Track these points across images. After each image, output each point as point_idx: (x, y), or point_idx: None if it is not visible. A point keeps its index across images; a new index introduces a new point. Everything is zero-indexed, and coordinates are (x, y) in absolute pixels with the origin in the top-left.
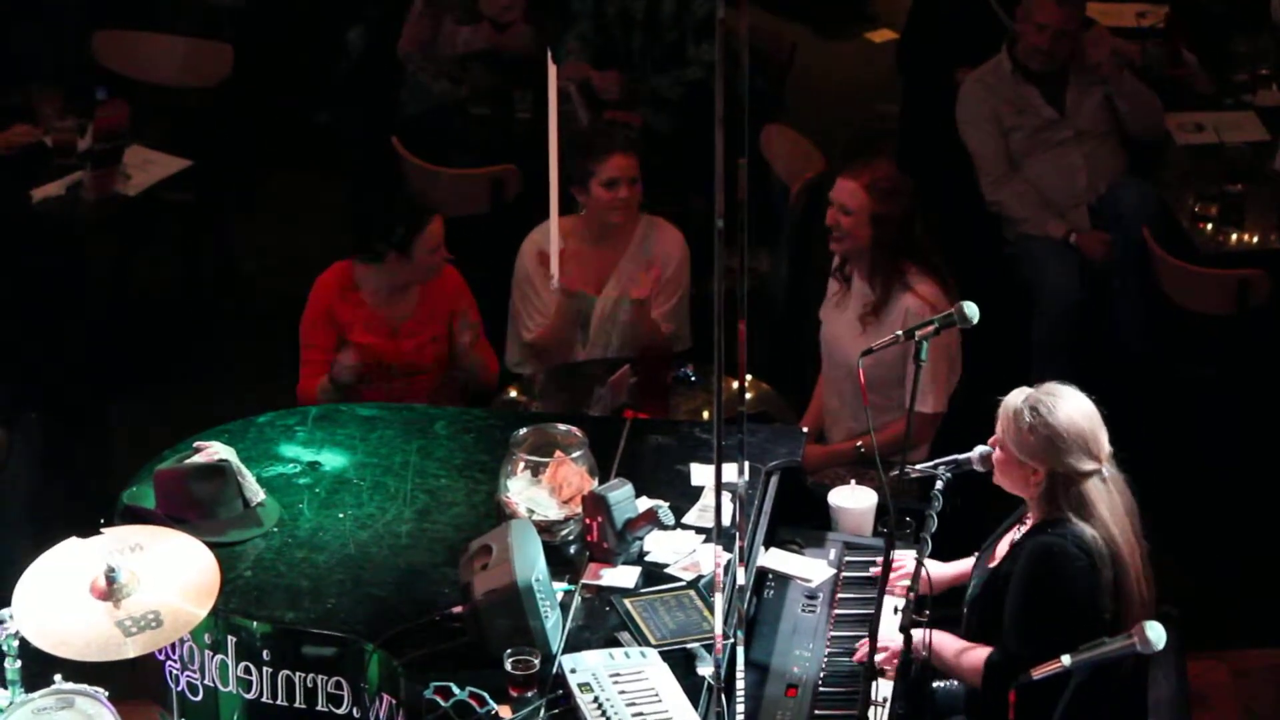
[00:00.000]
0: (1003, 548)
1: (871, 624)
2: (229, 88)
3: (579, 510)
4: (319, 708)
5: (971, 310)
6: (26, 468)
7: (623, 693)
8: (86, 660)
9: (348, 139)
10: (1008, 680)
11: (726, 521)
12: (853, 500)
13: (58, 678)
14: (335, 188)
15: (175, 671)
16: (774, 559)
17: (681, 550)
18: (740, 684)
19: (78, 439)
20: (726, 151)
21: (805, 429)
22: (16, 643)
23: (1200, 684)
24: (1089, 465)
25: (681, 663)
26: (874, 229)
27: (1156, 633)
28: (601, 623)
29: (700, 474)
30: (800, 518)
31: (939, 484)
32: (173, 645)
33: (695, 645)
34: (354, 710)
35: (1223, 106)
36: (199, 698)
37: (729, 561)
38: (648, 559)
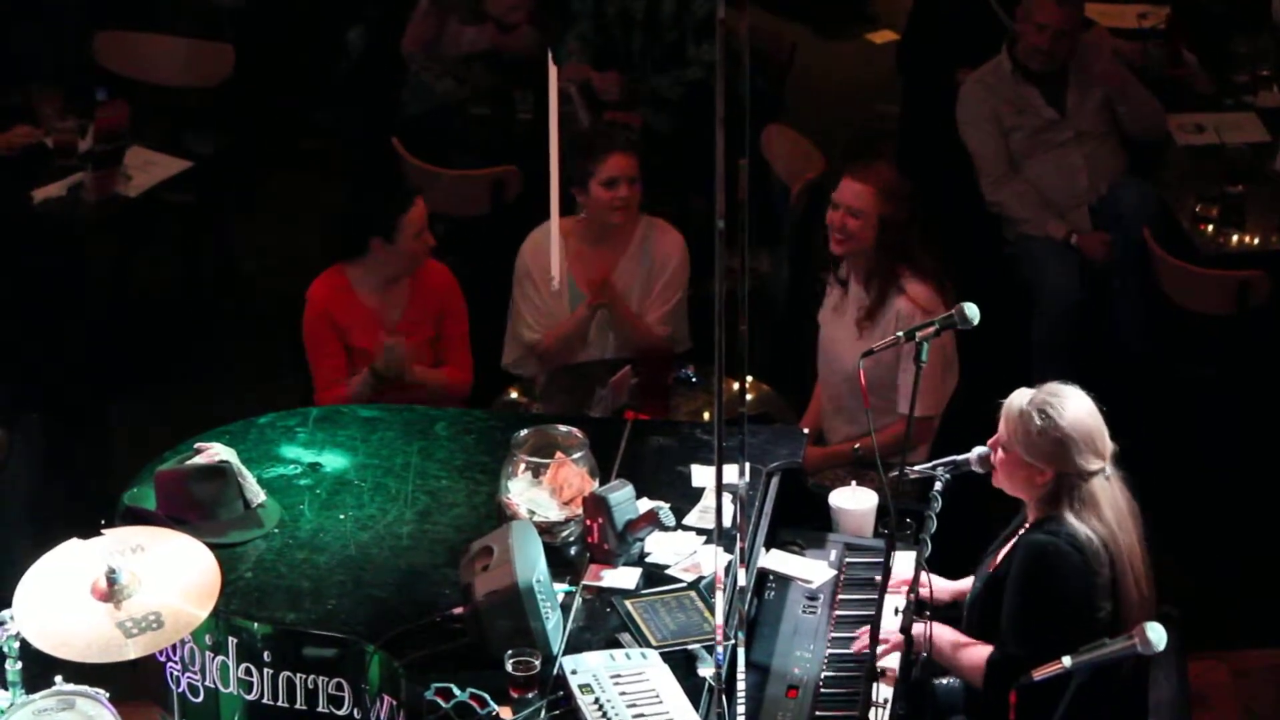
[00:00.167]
0: (1003, 552)
1: (872, 626)
2: (229, 88)
3: (580, 511)
4: (320, 709)
5: (972, 311)
6: (27, 468)
7: (623, 694)
8: (87, 661)
9: (348, 140)
10: (1007, 680)
11: (727, 523)
12: (853, 501)
13: (58, 679)
14: (335, 188)
15: (176, 673)
16: (775, 560)
17: (682, 551)
18: (741, 685)
19: (78, 440)
20: (727, 152)
21: (805, 430)
22: (17, 644)
23: (1201, 684)
24: (1096, 465)
25: (682, 664)
26: (879, 231)
27: (1157, 634)
28: (602, 624)
29: (701, 475)
30: (801, 519)
31: (938, 485)
32: (174, 646)
33: (696, 646)
34: (355, 711)
35: (1223, 107)
36: (200, 699)
37: (730, 562)
38: (648, 560)
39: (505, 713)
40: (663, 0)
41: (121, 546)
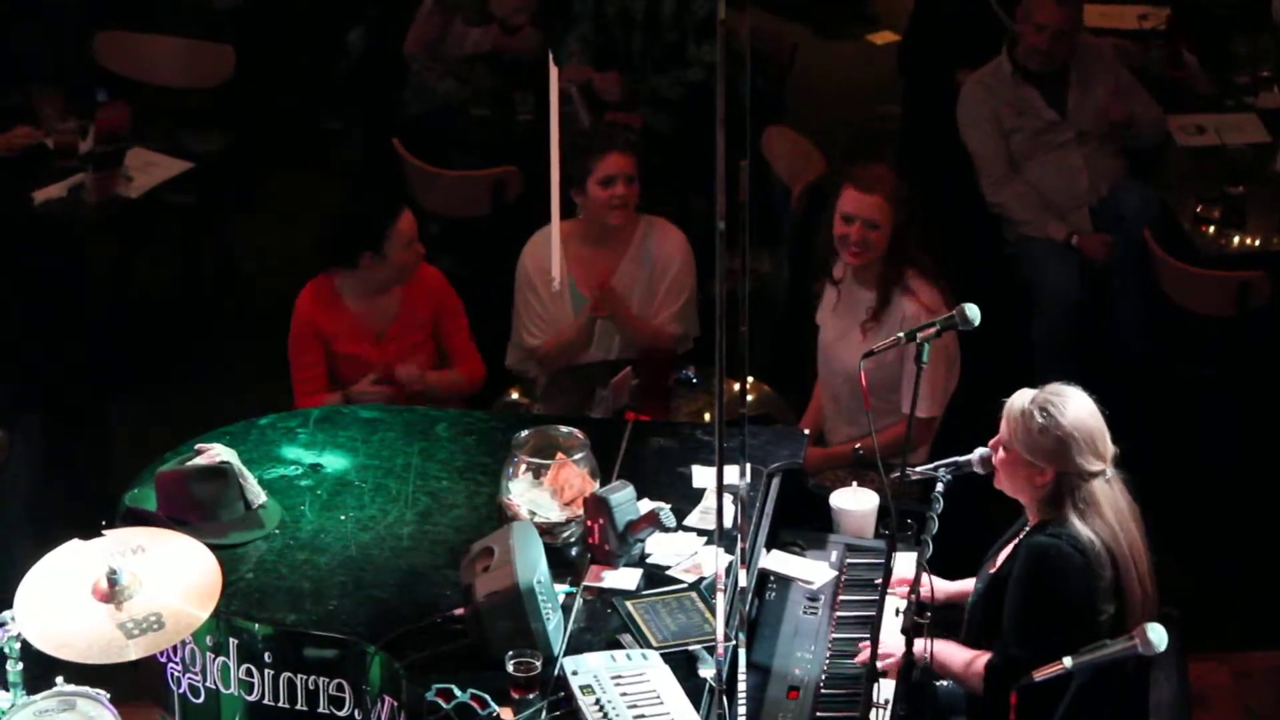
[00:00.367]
0: (1004, 554)
1: (873, 627)
2: (230, 89)
3: (580, 512)
4: (320, 710)
5: (973, 312)
6: (28, 469)
7: (624, 695)
8: (88, 662)
9: (348, 140)
10: (1007, 682)
11: (728, 524)
12: (854, 502)
13: (59, 680)
14: (335, 189)
15: (177, 673)
16: (775, 561)
17: (683, 552)
18: (742, 686)
19: (79, 440)
20: (727, 153)
21: (806, 431)
22: (18, 645)
23: (1201, 685)
24: (1097, 466)
25: (683, 665)
26: (893, 239)
27: (1158, 634)
28: (603, 625)
29: (702, 476)
30: (802, 520)
31: (939, 486)
32: (174, 647)
33: (697, 647)
34: (355, 712)
35: (1224, 108)
36: (201, 700)
37: (730, 563)
38: (649, 561)
39: (506, 713)
40: (663, 1)
41: (122, 547)
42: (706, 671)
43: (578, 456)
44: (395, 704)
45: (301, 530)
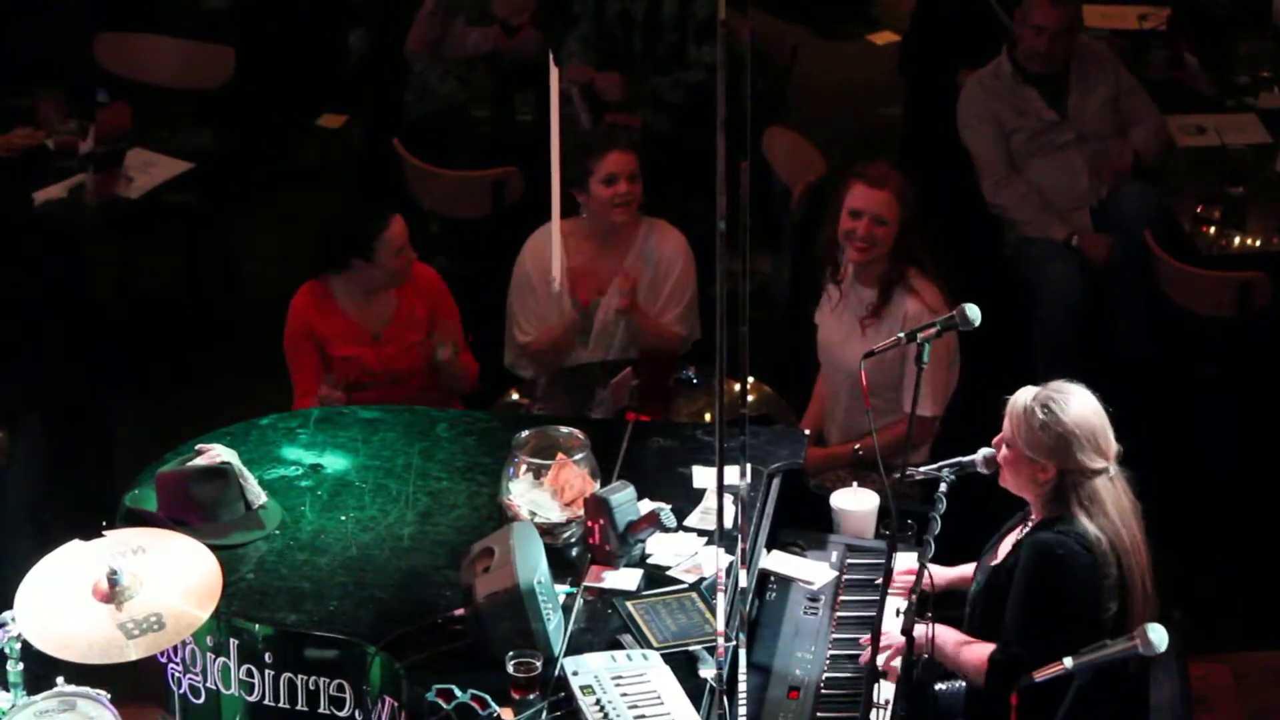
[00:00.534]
0: (1005, 546)
1: (874, 625)
2: (230, 89)
3: (581, 513)
4: (321, 710)
5: (973, 313)
6: (28, 470)
7: (625, 695)
8: (88, 663)
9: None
10: (1009, 679)
11: (728, 524)
12: (854, 503)
13: (60, 680)
14: (335, 189)
15: (177, 674)
16: (776, 561)
17: (683, 553)
18: (742, 686)
19: (79, 441)
20: (728, 154)
21: (806, 431)
22: (19, 645)
23: (1202, 686)
24: (1099, 463)
25: (684, 665)
26: (898, 236)
27: (1158, 635)
28: (603, 625)
29: (702, 476)
30: (802, 520)
31: (943, 486)
32: (175, 648)
33: (697, 648)
34: (356, 713)
35: (1224, 109)
36: (201, 700)
37: (731, 564)
38: (649, 561)
39: (507, 714)
40: (664, 2)
41: (123, 548)
42: (707, 672)
43: (578, 457)
44: (396, 704)
45: (302, 531)
